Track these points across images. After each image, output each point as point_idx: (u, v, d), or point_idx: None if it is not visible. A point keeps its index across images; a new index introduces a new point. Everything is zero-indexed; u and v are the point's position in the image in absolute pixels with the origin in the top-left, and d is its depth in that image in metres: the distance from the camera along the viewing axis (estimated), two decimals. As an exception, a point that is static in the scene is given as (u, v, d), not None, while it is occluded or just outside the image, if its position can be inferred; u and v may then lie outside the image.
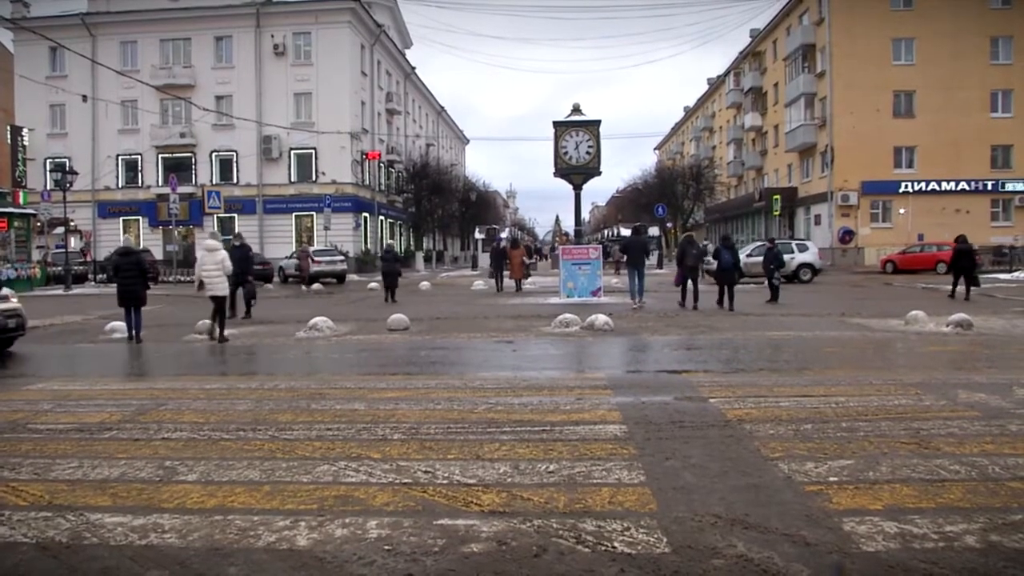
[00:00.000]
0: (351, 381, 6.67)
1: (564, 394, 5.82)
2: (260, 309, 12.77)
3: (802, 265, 21.84)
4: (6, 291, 9.28)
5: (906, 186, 32.86)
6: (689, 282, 13.81)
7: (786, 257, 20.82)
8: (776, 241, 16.64)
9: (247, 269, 13.12)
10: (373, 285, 23.22)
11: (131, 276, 10.02)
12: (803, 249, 22.47)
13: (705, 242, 23.12)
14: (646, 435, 4.51)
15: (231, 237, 13.58)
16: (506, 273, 21.79)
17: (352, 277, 28.56)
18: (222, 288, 10.11)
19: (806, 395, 5.58)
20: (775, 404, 5.27)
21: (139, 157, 35.78)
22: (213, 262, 10.09)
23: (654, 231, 42.20)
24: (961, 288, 15.53)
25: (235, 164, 35.36)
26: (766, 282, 15.00)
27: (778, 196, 32.94)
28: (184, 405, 5.70)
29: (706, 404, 5.32)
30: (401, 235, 46.17)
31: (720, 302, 13.47)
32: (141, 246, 31.20)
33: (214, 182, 34.27)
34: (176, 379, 7.08)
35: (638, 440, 4.39)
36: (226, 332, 10.24)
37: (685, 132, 65.83)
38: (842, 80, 32.92)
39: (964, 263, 15.11)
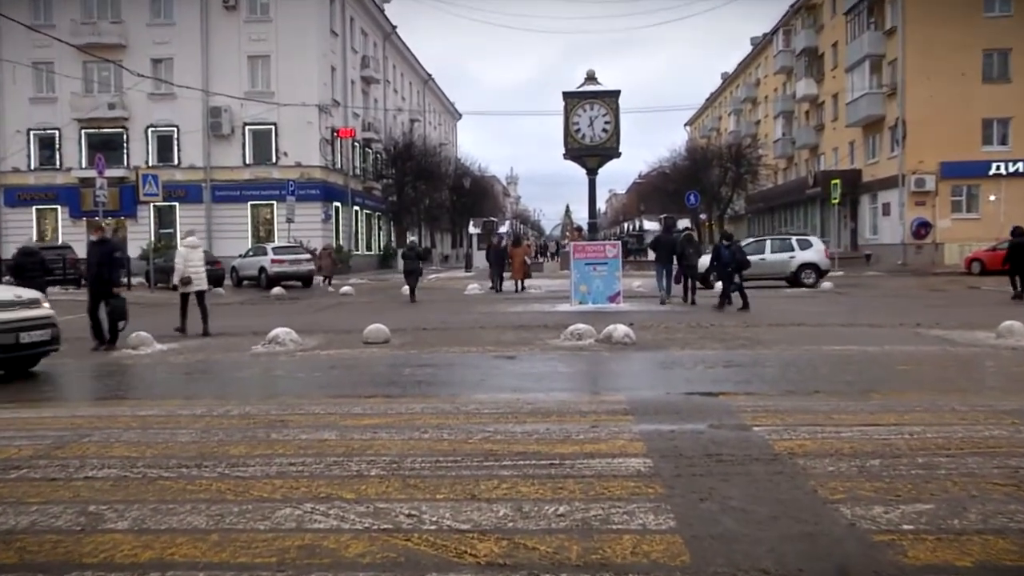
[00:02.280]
0: (319, 405, 6.67)
1: (576, 421, 5.83)
2: (210, 318, 12.78)
3: (804, 266, 21.96)
4: (33, 294, 9.17)
5: (998, 167, 32.78)
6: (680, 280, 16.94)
7: (785, 256, 21.25)
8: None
9: (111, 276, 11.12)
10: (347, 289, 23.23)
11: (37, 279, 10.16)
12: (805, 246, 22.54)
13: (749, 240, 23.11)
14: (676, 471, 4.51)
15: (188, 234, 13.67)
16: (507, 274, 22.00)
17: (320, 280, 28.61)
18: (205, 284, 12.97)
19: (873, 424, 5.58)
20: (834, 434, 5.26)
21: (56, 133, 35.93)
22: (198, 258, 12.83)
23: (684, 224, 42.25)
24: None
25: (177, 142, 35.54)
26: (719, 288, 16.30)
27: (837, 181, 32.85)
28: (113, 436, 5.69)
29: (749, 433, 5.32)
30: (380, 229, 46.31)
31: (720, 306, 15.57)
32: (60, 241, 31.27)
33: (151, 164, 34.44)
34: (103, 404, 7.11)
35: (666, 477, 4.40)
36: (164, 348, 10.57)
37: (722, 104, 66.07)
38: (917, 38, 32.83)
39: (1021, 259, 15.25)
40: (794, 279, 21.80)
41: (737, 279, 15.42)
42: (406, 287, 19.75)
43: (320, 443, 5.29)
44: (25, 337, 8.42)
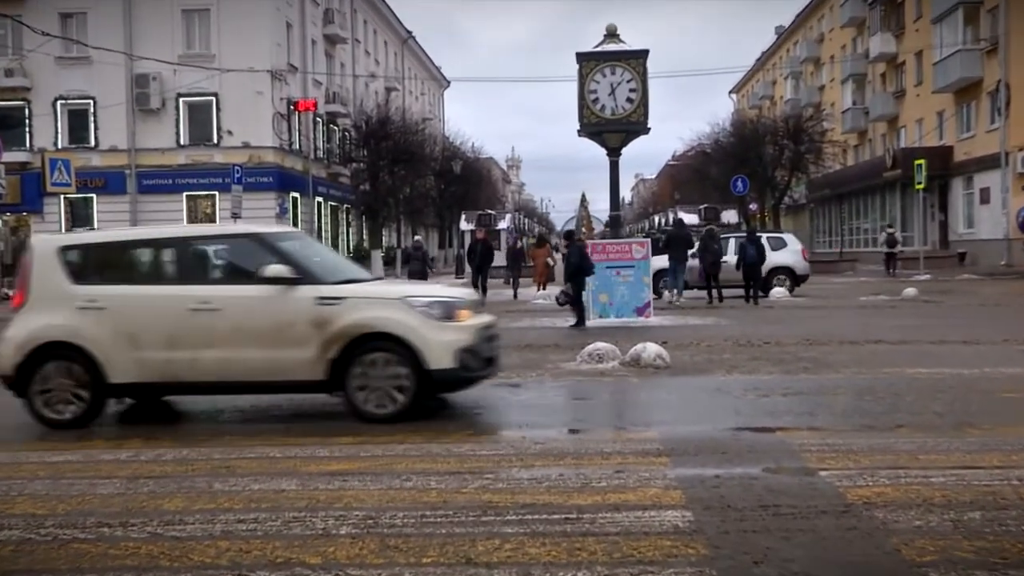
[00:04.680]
0: (275, 447, 6.68)
1: (597, 464, 5.83)
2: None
3: (777, 270, 22.40)
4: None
5: None
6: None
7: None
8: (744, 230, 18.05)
9: None
10: None
11: None
12: (778, 246, 22.98)
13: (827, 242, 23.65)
14: (722, 526, 4.51)
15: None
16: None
17: None
18: None
19: (971, 466, 5.58)
20: (923, 479, 5.26)
21: (-64, 106, 35.93)
22: None
23: (730, 217, 42.35)
24: None
25: (93, 118, 35.74)
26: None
27: (922, 161, 32.82)
28: (15, 488, 5.69)
29: (814, 479, 5.33)
30: (349, 225, 46.36)
31: (747, 298, 19.72)
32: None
33: (61, 146, 34.64)
34: (2, 448, 7.08)
35: (710, 534, 4.40)
36: None
37: (777, 66, 66.24)
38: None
39: None
40: (765, 286, 22.09)
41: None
42: None
43: (276, 494, 5.29)
44: None
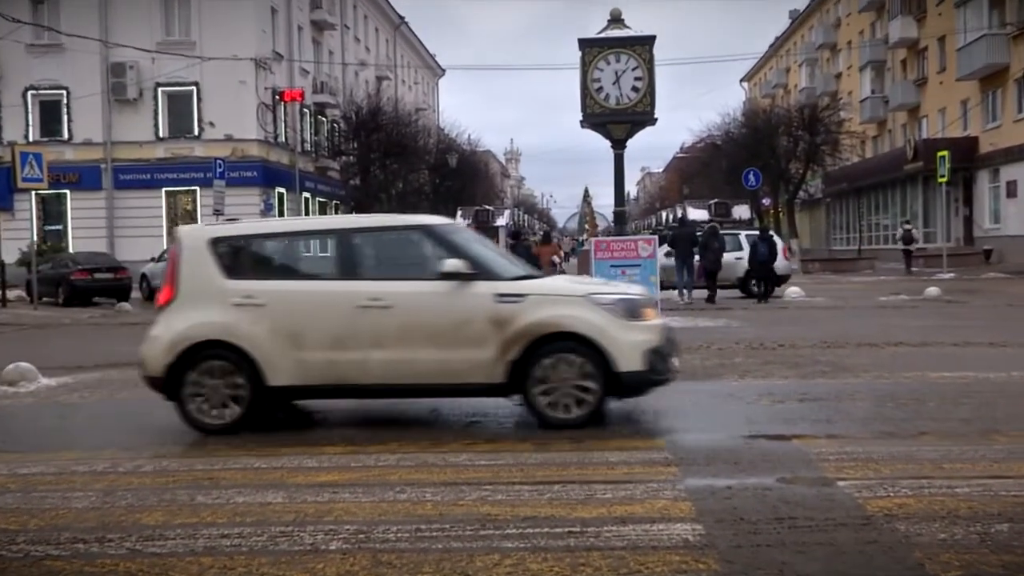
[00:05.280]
0: (260, 457, 6.68)
1: (602, 474, 5.84)
2: (110, 343, 12.82)
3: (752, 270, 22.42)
4: None
5: None
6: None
7: (730, 258, 21.68)
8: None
9: None
10: None
11: None
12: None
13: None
14: (735, 540, 4.51)
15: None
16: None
17: None
18: None
19: (998, 475, 5.58)
20: (947, 490, 5.26)
21: None
22: None
23: (741, 213, 42.40)
24: None
25: (67, 110, 35.74)
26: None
27: (945, 153, 32.72)
28: (-14, 501, 5.66)
29: (832, 490, 5.34)
30: None
31: (758, 297, 20.86)
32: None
33: (32, 138, 34.67)
34: (-28, 459, 7.01)
35: (722, 548, 4.40)
36: (52, 383, 10.63)
37: (791, 53, 66.29)
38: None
39: None
40: (742, 286, 22.33)
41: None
42: None
43: (262, 507, 5.29)
44: None
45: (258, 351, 7.59)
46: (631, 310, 7.59)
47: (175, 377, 7.65)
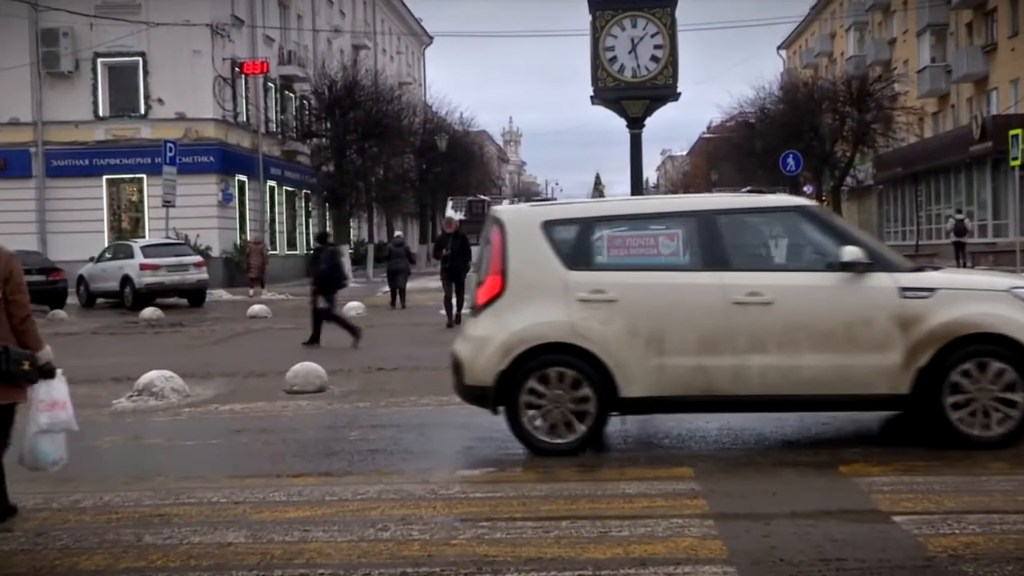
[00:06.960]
0: (218, 491, 6.52)
1: (618, 508, 5.68)
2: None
3: None
4: None
5: None
6: None
7: None
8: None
9: None
10: (259, 309, 22.36)
11: None
12: None
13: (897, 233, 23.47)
14: (775, 586, 4.59)
15: None
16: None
17: (221, 294, 28.10)
18: None
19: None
20: (1021, 527, 5.07)
21: None
22: None
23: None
24: None
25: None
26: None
27: (1018, 131, 31.62)
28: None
29: (887, 526, 5.17)
30: (309, 215, 45.68)
31: None
32: None
33: (-50, 120, 34.17)
34: None
35: (761, 595, 4.45)
36: None
37: (837, 16, 64.65)
38: None
39: None
40: None
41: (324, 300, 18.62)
42: (386, 289, 22.69)
43: (221, 549, 5.13)
44: None
45: (611, 356, 7.00)
46: None
47: (506, 386, 7.04)
